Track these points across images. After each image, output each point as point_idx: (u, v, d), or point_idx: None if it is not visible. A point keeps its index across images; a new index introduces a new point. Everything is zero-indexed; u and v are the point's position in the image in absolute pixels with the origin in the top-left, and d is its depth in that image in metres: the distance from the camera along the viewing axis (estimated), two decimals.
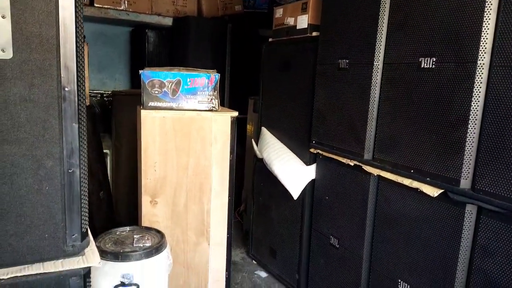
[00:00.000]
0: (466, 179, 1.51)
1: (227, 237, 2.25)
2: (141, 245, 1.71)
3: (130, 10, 3.80)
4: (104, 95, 4.11)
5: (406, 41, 1.73)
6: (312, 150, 2.37)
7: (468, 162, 1.50)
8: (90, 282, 1.20)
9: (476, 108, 1.47)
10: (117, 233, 1.82)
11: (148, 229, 1.89)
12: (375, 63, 1.88)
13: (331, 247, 2.24)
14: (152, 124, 2.02)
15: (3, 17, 1.05)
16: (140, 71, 2.04)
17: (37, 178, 1.12)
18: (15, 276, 1.09)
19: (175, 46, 3.95)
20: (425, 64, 1.64)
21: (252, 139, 2.99)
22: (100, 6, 3.64)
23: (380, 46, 1.87)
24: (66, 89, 1.12)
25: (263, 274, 2.89)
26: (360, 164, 1.98)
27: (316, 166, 2.38)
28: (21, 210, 1.12)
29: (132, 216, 2.40)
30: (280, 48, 2.68)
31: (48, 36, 1.10)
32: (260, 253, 2.98)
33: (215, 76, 2.11)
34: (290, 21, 2.54)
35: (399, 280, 1.80)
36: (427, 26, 1.63)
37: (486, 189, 1.44)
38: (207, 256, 2.20)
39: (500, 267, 1.41)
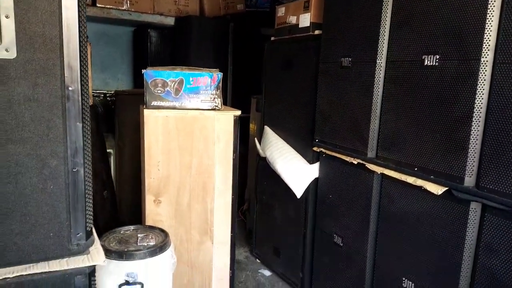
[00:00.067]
0: (470, 176, 1.51)
1: (231, 236, 2.25)
2: (145, 244, 1.72)
3: (132, 10, 3.81)
4: (107, 95, 4.12)
5: (409, 38, 1.73)
6: (315, 148, 2.36)
7: (472, 159, 1.50)
8: (95, 280, 1.21)
9: (480, 106, 1.46)
10: (121, 232, 1.83)
11: (152, 228, 1.90)
12: (378, 61, 1.88)
13: (335, 245, 2.24)
14: (155, 123, 2.02)
15: (7, 17, 1.05)
16: (143, 71, 2.04)
17: (42, 177, 1.12)
18: (20, 275, 1.09)
19: (177, 45, 3.95)
20: (428, 62, 1.64)
21: (255, 138, 2.99)
22: (103, 6, 3.65)
23: (383, 44, 1.86)
24: (70, 88, 1.13)
25: (267, 272, 2.89)
26: (364, 162, 1.98)
27: (319, 164, 2.38)
28: (26, 209, 1.12)
29: (136, 215, 2.41)
30: (283, 47, 2.68)
31: (51, 36, 1.10)
32: (264, 252, 2.99)
33: (217, 75, 2.12)
34: (292, 19, 2.54)
35: (403, 279, 1.80)
36: (430, 23, 1.62)
37: (491, 186, 1.43)
38: (211, 255, 2.20)
39: (505, 265, 1.41)
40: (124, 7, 3.76)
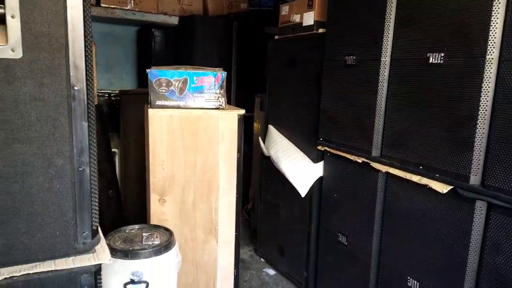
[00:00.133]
0: (476, 175, 1.50)
1: (235, 235, 2.25)
2: (150, 243, 1.72)
3: (137, 9, 3.82)
4: (112, 94, 4.13)
5: (413, 36, 1.72)
6: (319, 147, 2.36)
7: (478, 158, 1.49)
8: (101, 279, 1.21)
9: (485, 103, 1.46)
10: (126, 231, 1.83)
11: (157, 227, 1.90)
12: (382, 59, 1.87)
13: (340, 244, 2.24)
14: (160, 122, 2.03)
15: (13, 17, 1.06)
16: (147, 70, 2.04)
17: (48, 177, 1.13)
18: (27, 273, 1.10)
19: (181, 45, 3.96)
20: (433, 60, 1.63)
21: (259, 137, 2.99)
22: (107, 6, 3.66)
23: (387, 41, 1.86)
24: (76, 88, 1.13)
25: (272, 271, 2.90)
26: (368, 161, 1.98)
27: (323, 163, 2.37)
28: (32, 208, 1.13)
29: (141, 214, 2.42)
30: (286, 46, 2.68)
31: (57, 36, 1.10)
32: (268, 251, 2.99)
33: (221, 74, 2.12)
34: (296, 18, 2.54)
35: (408, 277, 1.80)
36: (435, 21, 1.62)
37: (496, 185, 1.43)
38: (216, 254, 2.21)
39: (510, 263, 1.40)
40: (128, 7, 3.77)
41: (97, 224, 1.24)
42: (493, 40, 1.42)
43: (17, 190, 1.11)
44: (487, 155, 1.47)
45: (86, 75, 1.15)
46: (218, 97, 2.12)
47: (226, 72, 2.14)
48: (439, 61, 1.61)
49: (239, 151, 2.18)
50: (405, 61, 1.77)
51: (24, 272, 1.10)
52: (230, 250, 2.25)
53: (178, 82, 2.06)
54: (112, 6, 3.68)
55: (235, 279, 2.31)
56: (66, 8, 1.10)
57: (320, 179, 2.40)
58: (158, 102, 2.05)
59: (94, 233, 1.22)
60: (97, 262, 1.18)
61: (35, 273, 1.11)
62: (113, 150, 3.21)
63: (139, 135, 2.51)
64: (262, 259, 3.06)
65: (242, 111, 2.17)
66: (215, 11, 4.13)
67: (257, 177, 3.27)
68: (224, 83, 2.13)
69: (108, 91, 4.16)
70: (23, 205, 1.12)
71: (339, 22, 2.16)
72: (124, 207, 3.09)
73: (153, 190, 2.07)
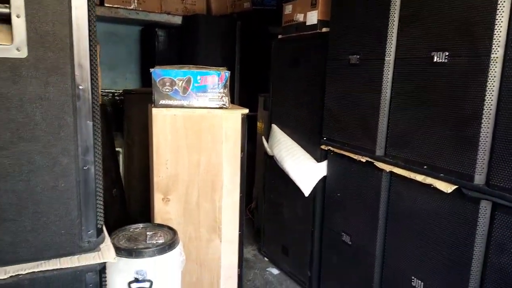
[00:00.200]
0: (481, 174, 1.50)
1: (239, 234, 2.26)
2: (154, 242, 1.73)
3: (140, 9, 3.83)
4: (116, 94, 4.14)
5: (417, 35, 1.72)
6: (323, 146, 2.36)
7: (482, 157, 1.49)
8: (105, 277, 1.22)
9: (490, 102, 1.45)
10: (131, 230, 1.84)
11: (161, 226, 1.91)
12: (386, 58, 1.87)
13: (343, 244, 2.24)
14: (163, 122, 2.03)
15: (18, 16, 1.06)
16: (151, 70, 2.05)
17: (53, 175, 1.13)
18: (32, 272, 1.11)
19: (184, 44, 3.97)
20: (438, 59, 1.62)
21: (263, 137, 2.99)
22: (110, 5, 3.67)
23: (391, 41, 1.85)
24: (80, 87, 1.14)
25: (275, 271, 2.90)
26: (372, 160, 1.97)
27: (327, 162, 2.37)
28: (37, 207, 1.13)
29: (145, 213, 2.42)
30: (290, 45, 2.68)
31: (61, 35, 1.11)
32: (272, 250, 2.99)
33: (225, 73, 2.12)
34: (300, 17, 2.53)
35: (413, 277, 1.79)
36: (439, 19, 1.61)
37: (501, 184, 1.42)
38: (219, 253, 2.21)
39: None
40: (132, 7, 3.78)
41: (102, 223, 1.25)
42: (498, 38, 1.41)
43: (22, 189, 1.11)
44: (491, 155, 1.46)
45: (91, 74, 1.15)
46: (222, 97, 2.12)
47: (229, 72, 2.14)
48: (443, 60, 1.60)
49: (242, 150, 2.18)
50: (409, 60, 1.77)
51: (30, 270, 1.11)
52: (234, 249, 2.26)
53: (181, 81, 2.07)
54: (116, 6, 3.69)
55: (239, 278, 2.31)
56: (71, 8, 1.11)
57: (324, 179, 2.40)
58: (162, 102, 2.05)
59: (99, 232, 1.22)
60: (102, 261, 1.18)
61: (41, 271, 1.12)
62: (117, 149, 3.21)
63: (143, 134, 2.52)
64: (265, 258, 3.06)
65: (246, 111, 2.17)
66: (218, 11, 4.14)
67: (260, 177, 3.27)
68: (228, 83, 2.13)
69: (112, 91, 4.18)
70: (28, 203, 1.12)
71: (342, 21, 2.15)
72: (128, 206, 3.10)
73: (157, 189, 2.08)
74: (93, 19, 1.17)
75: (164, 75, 2.05)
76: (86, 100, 1.15)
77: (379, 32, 1.89)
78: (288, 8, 2.65)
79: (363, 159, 2.03)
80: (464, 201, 1.55)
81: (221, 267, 2.23)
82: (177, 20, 3.99)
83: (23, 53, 1.08)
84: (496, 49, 1.42)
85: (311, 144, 2.48)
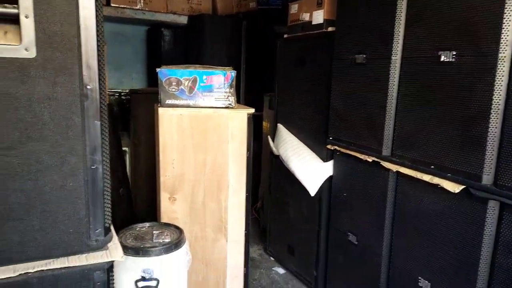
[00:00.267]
0: (488, 174, 1.49)
1: (245, 233, 2.26)
2: (161, 241, 1.73)
3: (146, 9, 3.84)
4: (122, 93, 4.16)
5: (424, 34, 1.71)
6: (329, 146, 2.35)
7: (490, 157, 1.48)
8: (113, 276, 1.23)
9: (497, 102, 1.44)
10: (137, 228, 1.85)
11: (167, 225, 1.92)
12: (393, 58, 1.86)
13: (349, 244, 2.23)
14: (170, 121, 2.04)
15: (26, 17, 1.07)
16: (157, 70, 2.05)
17: (61, 175, 1.14)
18: (41, 270, 1.12)
19: (190, 44, 3.97)
20: (445, 58, 1.62)
21: (268, 136, 2.99)
22: (117, 5, 3.69)
23: (398, 40, 1.85)
24: (88, 87, 1.14)
25: (281, 270, 2.90)
26: (379, 160, 1.97)
27: (333, 162, 2.37)
28: (46, 206, 1.14)
29: (151, 212, 2.43)
30: (296, 44, 2.67)
31: (69, 35, 1.12)
32: (278, 250, 2.99)
33: (231, 73, 2.12)
34: (306, 16, 2.53)
35: (420, 278, 1.79)
36: (446, 18, 1.60)
37: (509, 184, 1.41)
38: (225, 252, 2.21)
39: None
40: (138, 7, 3.80)
41: (110, 222, 1.25)
42: (505, 37, 1.40)
43: (31, 188, 1.12)
44: (499, 154, 1.45)
45: (99, 74, 1.16)
46: (228, 96, 2.13)
47: (235, 71, 2.14)
48: (450, 59, 1.60)
49: (248, 150, 2.18)
50: (416, 59, 1.76)
51: (38, 269, 1.12)
52: (240, 248, 2.26)
53: (187, 81, 2.07)
54: (122, 6, 3.71)
55: (245, 277, 2.32)
56: (78, 8, 1.12)
57: (330, 178, 2.40)
58: (168, 101, 2.06)
59: (107, 231, 1.23)
60: (110, 259, 1.19)
61: (49, 269, 1.13)
62: (123, 148, 3.23)
63: (149, 134, 2.53)
64: (271, 258, 3.06)
65: (252, 110, 2.17)
66: (224, 10, 4.14)
67: (266, 176, 3.27)
68: (234, 82, 2.13)
69: (119, 90, 4.20)
70: (37, 202, 1.13)
71: (348, 21, 2.15)
72: (134, 205, 3.12)
73: (163, 189, 2.08)
74: (101, 19, 1.18)
75: (170, 75, 2.05)
76: (94, 100, 1.16)
77: (385, 31, 1.89)
78: (294, 8, 2.65)
79: (370, 159, 2.02)
80: (472, 201, 1.54)
81: (227, 267, 2.23)
82: (183, 20, 4.00)
83: (32, 53, 1.09)
84: (504, 48, 1.41)
85: (317, 143, 2.48)
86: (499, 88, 1.43)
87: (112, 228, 1.29)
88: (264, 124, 3.40)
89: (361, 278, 2.17)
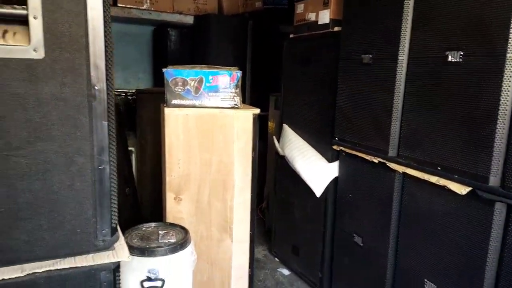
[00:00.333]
0: (496, 176, 1.48)
1: (250, 234, 2.26)
2: (166, 241, 1.74)
3: (152, 9, 3.85)
4: (128, 93, 4.18)
5: (431, 34, 1.70)
6: (335, 147, 2.35)
7: (497, 158, 1.46)
8: (119, 276, 1.23)
9: (505, 103, 1.43)
10: (143, 229, 1.86)
11: (173, 225, 1.92)
12: (399, 58, 1.85)
13: (355, 245, 2.22)
14: (176, 121, 2.04)
15: (35, 17, 1.08)
16: (164, 70, 2.06)
17: (69, 175, 1.15)
18: (49, 270, 1.12)
19: (196, 44, 3.98)
20: (452, 58, 1.61)
21: (274, 136, 2.99)
22: (123, 6, 3.70)
23: (404, 40, 1.84)
24: (96, 87, 1.15)
25: (286, 271, 2.89)
26: (385, 161, 1.96)
27: (339, 163, 2.36)
28: (53, 206, 1.15)
29: (157, 212, 2.44)
30: (301, 44, 2.67)
31: (77, 36, 1.12)
32: (283, 251, 2.99)
33: (237, 73, 2.12)
34: (312, 16, 2.53)
35: (425, 280, 1.78)
36: (454, 18, 1.59)
37: None
38: (230, 252, 2.21)
39: None
40: (144, 7, 3.81)
41: (116, 222, 1.26)
42: None
43: (39, 188, 1.13)
44: (507, 156, 1.44)
45: (106, 74, 1.17)
46: (234, 96, 2.13)
47: (241, 71, 2.14)
48: (458, 60, 1.59)
49: (254, 150, 2.19)
50: (423, 59, 1.75)
51: (46, 269, 1.12)
52: (245, 249, 2.26)
53: (193, 81, 2.08)
54: (129, 6, 3.72)
55: (249, 278, 2.32)
56: (86, 9, 1.12)
57: (336, 179, 2.39)
58: (174, 101, 2.07)
59: (114, 231, 1.24)
60: (116, 260, 1.20)
61: (57, 269, 1.14)
62: (129, 148, 3.24)
63: (155, 133, 2.54)
64: (276, 258, 3.06)
65: (257, 110, 2.17)
66: (230, 10, 4.14)
67: (271, 176, 3.27)
68: (239, 82, 2.13)
69: (125, 90, 4.21)
70: (45, 202, 1.14)
71: (355, 20, 2.14)
72: (140, 205, 3.13)
73: (169, 189, 2.09)
74: (108, 20, 1.18)
75: (177, 75, 2.06)
76: (101, 101, 1.16)
77: (392, 31, 1.88)
78: (300, 7, 2.65)
79: (376, 160, 2.02)
80: (479, 203, 1.53)
81: (232, 267, 2.23)
82: (189, 20, 4.01)
83: (40, 54, 1.09)
84: None
85: (323, 144, 2.48)
86: (507, 88, 1.42)
87: (118, 228, 1.30)
88: (270, 124, 3.40)
89: (366, 280, 2.16)
